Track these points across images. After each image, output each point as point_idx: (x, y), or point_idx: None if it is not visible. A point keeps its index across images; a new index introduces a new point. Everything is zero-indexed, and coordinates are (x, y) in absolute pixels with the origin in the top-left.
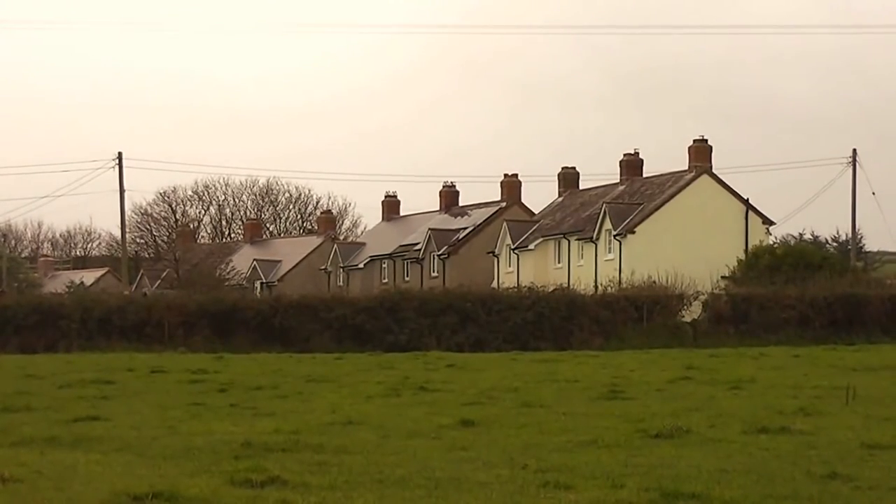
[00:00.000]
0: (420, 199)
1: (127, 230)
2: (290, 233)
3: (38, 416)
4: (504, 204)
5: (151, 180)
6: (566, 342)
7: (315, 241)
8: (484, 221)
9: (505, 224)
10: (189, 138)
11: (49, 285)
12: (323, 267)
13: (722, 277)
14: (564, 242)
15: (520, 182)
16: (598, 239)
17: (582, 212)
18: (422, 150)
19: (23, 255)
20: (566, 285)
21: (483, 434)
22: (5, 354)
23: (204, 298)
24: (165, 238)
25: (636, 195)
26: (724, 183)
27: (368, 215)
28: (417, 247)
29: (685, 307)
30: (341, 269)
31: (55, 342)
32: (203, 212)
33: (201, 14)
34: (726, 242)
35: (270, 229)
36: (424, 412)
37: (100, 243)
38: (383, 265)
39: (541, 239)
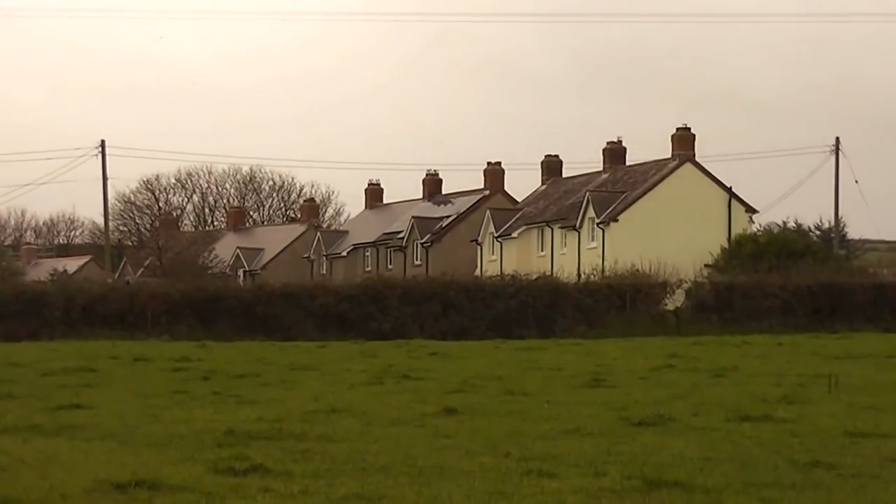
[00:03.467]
0: (403, 188)
1: (110, 218)
2: (274, 221)
3: (21, 404)
4: (487, 192)
5: (134, 168)
6: (549, 330)
7: (298, 229)
8: (467, 209)
9: (488, 212)
10: (172, 126)
11: (32, 273)
12: (306, 255)
13: (705, 265)
14: (547, 230)
15: (503, 170)
16: (581, 227)
17: (565, 200)
18: (405, 138)
19: (6, 244)
20: (549, 273)
21: (466, 422)
22: None
23: (187, 286)
24: (148, 226)
25: (619, 183)
26: (707, 171)
27: (351, 203)
28: (401, 235)
29: (668, 295)
30: (324, 258)
31: (38, 330)
32: (186, 200)
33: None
34: (709, 230)
35: (253, 217)
36: (408, 400)
37: (83, 231)
38: (366, 253)
39: (524, 227)
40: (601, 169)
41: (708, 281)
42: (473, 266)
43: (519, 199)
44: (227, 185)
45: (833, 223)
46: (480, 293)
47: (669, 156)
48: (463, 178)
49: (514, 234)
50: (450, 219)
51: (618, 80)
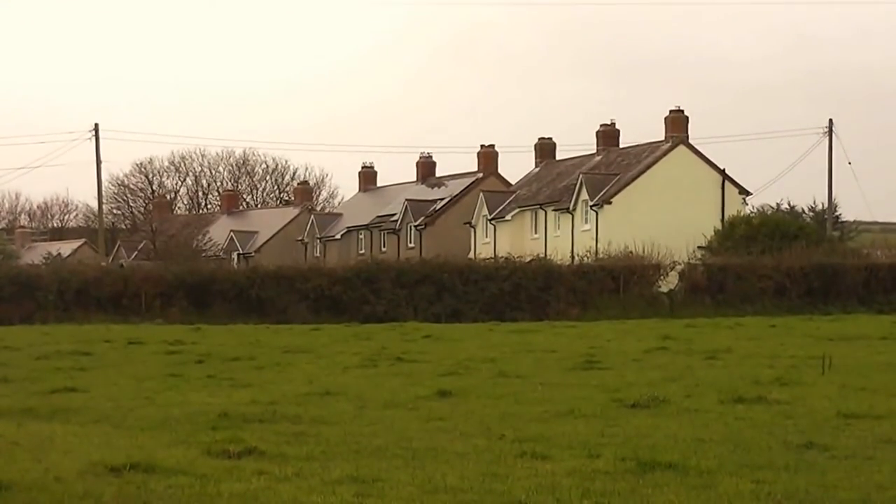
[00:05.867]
0: (397, 170)
1: (104, 201)
2: (267, 204)
3: (15, 388)
4: (481, 175)
5: (128, 151)
6: (543, 312)
7: (292, 212)
8: (461, 192)
9: (482, 195)
10: (165, 110)
11: (26, 257)
12: (300, 238)
13: (698, 247)
14: (541, 213)
15: (496, 153)
16: (574, 209)
17: (558, 182)
18: (399, 121)
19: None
20: (543, 256)
21: (460, 404)
22: None
23: (181, 270)
24: (142, 209)
25: (613, 165)
26: (701, 153)
27: (345, 186)
28: (394, 217)
29: (662, 277)
30: (318, 240)
31: (32, 313)
32: (180, 183)
33: None
34: (703, 212)
35: (247, 200)
36: (401, 383)
37: (77, 215)
38: (360, 236)
39: (517, 209)
40: (594, 151)
41: (701, 263)
42: (467, 248)
43: (512, 182)
44: (221, 168)
45: (826, 205)
46: (474, 276)
47: (663, 138)
48: (456, 161)
49: (508, 217)
50: (443, 201)
51: (611, 62)
